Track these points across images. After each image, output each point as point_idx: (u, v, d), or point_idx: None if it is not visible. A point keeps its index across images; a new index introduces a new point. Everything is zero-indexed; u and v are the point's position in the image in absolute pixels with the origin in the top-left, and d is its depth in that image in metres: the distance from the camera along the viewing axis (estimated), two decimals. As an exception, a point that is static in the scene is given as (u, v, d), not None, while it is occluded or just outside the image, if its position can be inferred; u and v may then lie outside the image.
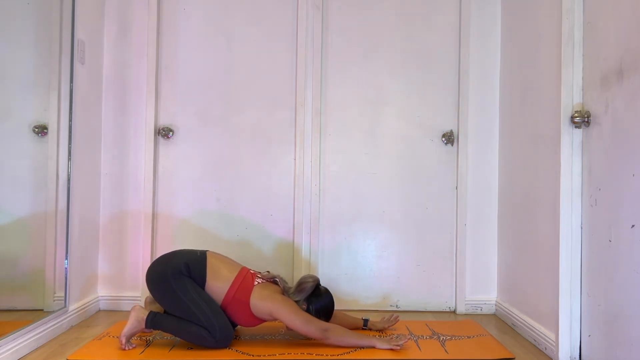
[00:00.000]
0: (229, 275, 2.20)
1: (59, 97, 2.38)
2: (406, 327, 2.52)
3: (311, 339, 2.21)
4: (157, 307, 2.33)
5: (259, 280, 2.22)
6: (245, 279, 2.21)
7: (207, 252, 2.27)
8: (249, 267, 2.33)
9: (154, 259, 2.29)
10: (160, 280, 2.15)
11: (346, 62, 2.91)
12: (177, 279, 2.13)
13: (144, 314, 2.14)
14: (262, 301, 2.15)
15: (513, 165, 2.67)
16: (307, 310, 2.21)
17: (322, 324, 2.14)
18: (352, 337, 2.15)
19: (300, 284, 2.25)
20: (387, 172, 2.91)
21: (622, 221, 1.74)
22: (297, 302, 2.20)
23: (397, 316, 2.49)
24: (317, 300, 2.23)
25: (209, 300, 2.14)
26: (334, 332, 2.13)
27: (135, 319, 2.12)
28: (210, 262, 2.21)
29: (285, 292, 2.23)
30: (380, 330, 2.42)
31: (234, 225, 2.88)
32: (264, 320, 2.21)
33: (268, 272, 2.31)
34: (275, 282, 2.27)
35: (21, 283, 2.28)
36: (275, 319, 2.17)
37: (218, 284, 2.17)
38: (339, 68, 2.91)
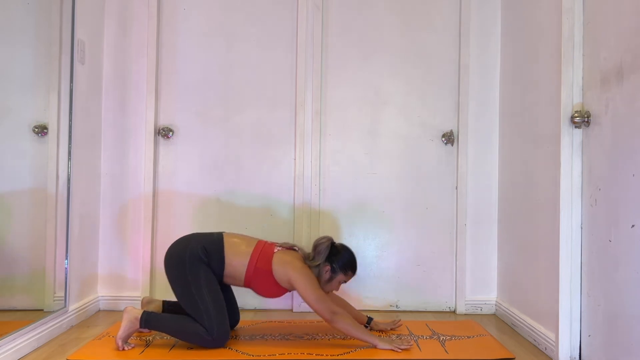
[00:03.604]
0: (247, 249, 2.22)
1: (59, 97, 2.38)
2: (406, 327, 2.51)
3: (320, 317, 2.22)
4: (153, 307, 2.33)
5: (278, 248, 2.26)
6: (264, 249, 2.23)
7: (223, 233, 2.29)
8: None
9: (173, 242, 2.29)
10: (177, 264, 2.16)
11: (346, 62, 2.91)
12: (193, 266, 2.14)
13: (137, 313, 2.12)
14: (283, 267, 2.17)
15: (513, 165, 2.67)
16: (332, 270, 2.26)
17: (333, 307, 2.14)
18: (357, 330, 2.15)
19: (316, 246, 2.28)
20: (387, 172, 2.91)
21: (622, 221, 1.74)
22: (318, 265, 2.24)
23: (400, 322, 2.50)
24: (338, 257, 2.27)
25: (215, 296, 2.13)
26: (342, 317, 2.13)
27: (128, 320, 2.11)
28: (227, 241, 2.22)
29: (305, 258, 2.26)
30: (381, 331, 2.42)
31: (234, 225, 2.88)
32: (287, 290, 2.24)
33: (286, 242, 2.34)
34: (294, 249, 2.30)
35: (21, 283, 2.28)
36: (293, 289, 2.20)
37: (238, 259, 2.19)
38: (339, 68, 2.91)
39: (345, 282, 2.33)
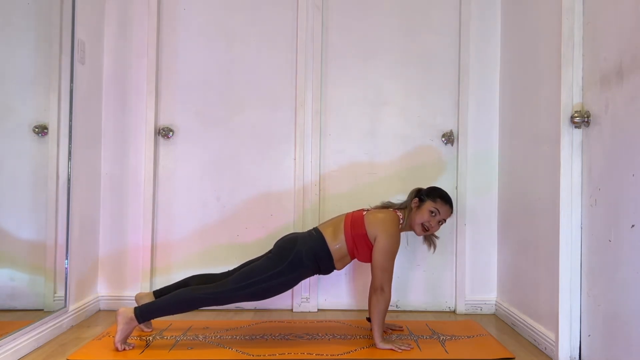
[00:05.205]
0: (339, 225, 2.27)
1: (59, 97, 2.38)
2: (406, 327, 2.52)
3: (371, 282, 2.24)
4: (146, 300, 2.32)
5: (367, 209, 2.36)
6: (353, 215, 2.31)
7: (318, 227, 2.32)
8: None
9: (289, 233, 2.37)
10: (283, 253, 2.20)
11: (346, 62, 2.91)
12: (292, 265, 2.18)
13: (130, 313, 2.10)
14: (374, 226, 2.24)
15: (513, 165, 2.67)
16: (420, 199, 2.35)
17: (388, 286, 2.20)
18: (379, 320, 2.18)
19: (407, 195, 2.42)
20: (387, 172, 2.90)
21: (622, 221, 1.74)
22: (410, 200, 2.35)
23: (402, 327, 2.51)
24: (424, 190, 2.39)
25: (267, 292, 2.17)
26: (383, 300, 2.18)
27: (124, 323, 2.09)
28: (325, 233, 2.26)
29: (399, 208, 2.35)
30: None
31: (234, 225, 2.88)
32: None
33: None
34: (385, 207, 2.38)
35: (21, 283, 2.28)
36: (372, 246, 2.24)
37: (337, 240, 2.25)
38: (339, 68, 2.91)
39: (437, 211, 2.31)
